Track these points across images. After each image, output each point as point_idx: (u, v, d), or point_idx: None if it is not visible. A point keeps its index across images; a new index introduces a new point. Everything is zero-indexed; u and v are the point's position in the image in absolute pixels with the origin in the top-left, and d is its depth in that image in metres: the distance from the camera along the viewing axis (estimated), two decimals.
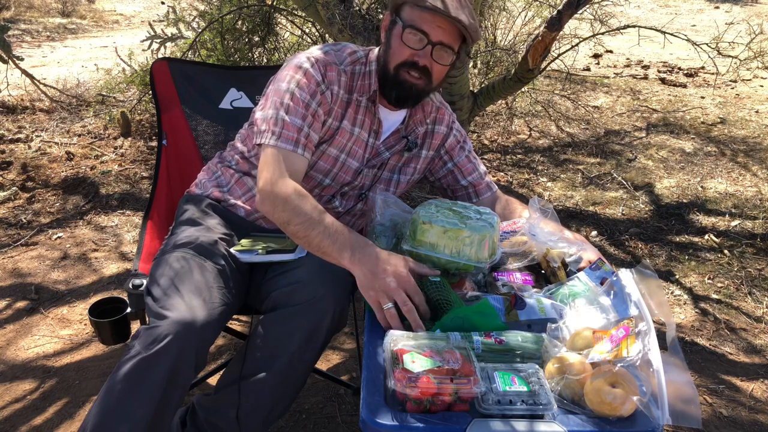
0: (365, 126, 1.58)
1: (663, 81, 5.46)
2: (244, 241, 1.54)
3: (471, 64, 4.03)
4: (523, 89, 3.94)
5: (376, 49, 1.58)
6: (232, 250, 1.49)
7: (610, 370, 1.04)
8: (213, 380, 1.94)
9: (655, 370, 1.03)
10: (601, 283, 1.33)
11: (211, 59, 3.64)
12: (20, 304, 2.41)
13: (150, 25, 3.84)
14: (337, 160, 1.57)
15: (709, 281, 2.66)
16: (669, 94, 5.11)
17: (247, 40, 3.78)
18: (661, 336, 1.07)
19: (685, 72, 5.76)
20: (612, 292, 1.28)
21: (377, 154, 1.61)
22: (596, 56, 6.25)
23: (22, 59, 3.31)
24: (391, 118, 1.61)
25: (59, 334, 2.25)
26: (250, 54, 3.79)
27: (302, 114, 1.45)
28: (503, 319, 1.26)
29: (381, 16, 3.14)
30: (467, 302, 1.27)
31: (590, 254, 1.46)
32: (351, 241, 1.29)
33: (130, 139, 3.95)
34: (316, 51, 1.53)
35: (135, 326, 1.43)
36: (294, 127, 1.43)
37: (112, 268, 2.67)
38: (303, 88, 1.46)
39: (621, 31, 3.43)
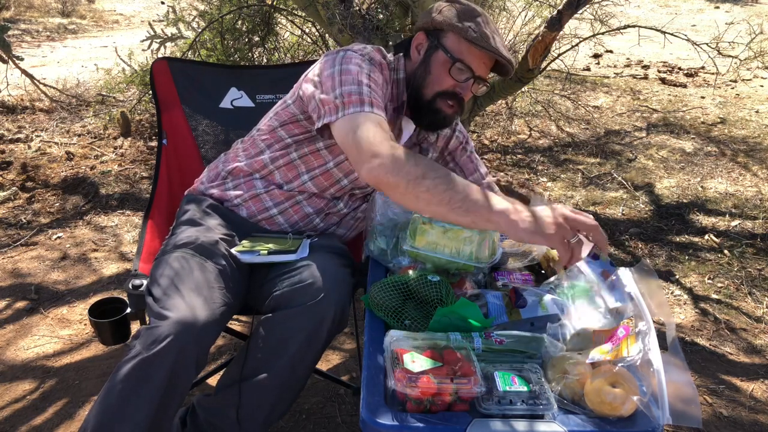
0: None
1: (663, 81, 5.46)
2: (245, 242, 1.54)
3: None
4: (523, 89, 3.94)
5: (401, 56, 1.53)
6: (233, 250, 1.48)
7: (610, 370, 1.04)
8: (213, 380, 1.94)
9: (655, 370, 1.02)
10: (603, 275, 1.32)
11: (211, 59, 3.64)
12: (20, 304, 2.41)
13: (150, 25, 3.83)
14: None
15: (709, 281, 2.66)
16: (669, 94, 5.11)
17: (247, 39, 3.78)
18: (661, 336, 1.07)
19: (685, 72, 5.75)
20: (612, 282, 1.28)
21: None
22: (596, 56, 6.25)
23: (22, 59, 3.31)
24: (409, 127, 1.61)
25: (59, 334, 2.25)
26: (250, 54, 3.79)
27: (382, 95, 1.39)
28: (505, 318, 1.26)
29: (381, 16, 3.14)
30: None
31: (587, 249, 1.45)
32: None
33: (130, 139, 3.95)
34: (368, 48, 1.47)
35: (135, 326, 1.43)
36: (380, 102, 1.36)
37: (112, 268, 2.67)
38: (376, 79, 1.42)
39: (621, 31, 3.42)
